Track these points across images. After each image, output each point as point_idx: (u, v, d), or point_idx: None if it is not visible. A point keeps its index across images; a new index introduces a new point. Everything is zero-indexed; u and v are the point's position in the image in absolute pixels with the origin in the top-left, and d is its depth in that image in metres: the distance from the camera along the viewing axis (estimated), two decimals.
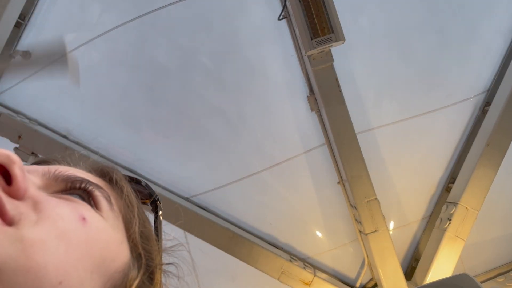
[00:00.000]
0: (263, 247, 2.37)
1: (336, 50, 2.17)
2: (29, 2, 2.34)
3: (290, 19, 2.23)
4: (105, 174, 0.44)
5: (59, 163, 0.42)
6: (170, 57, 2.37)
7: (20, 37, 2.43)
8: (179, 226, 2.46)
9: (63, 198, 0.35)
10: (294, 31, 2.24)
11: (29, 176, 0.34)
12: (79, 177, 0.39)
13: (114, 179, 0.43)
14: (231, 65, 2.37)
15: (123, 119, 2.45)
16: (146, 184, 0.48)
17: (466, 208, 2.27)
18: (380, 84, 2.42)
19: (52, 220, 0.31)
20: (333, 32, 2.03)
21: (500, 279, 2.57)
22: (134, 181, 0.48)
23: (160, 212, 0.49)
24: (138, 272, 0.39)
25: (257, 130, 2.44)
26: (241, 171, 2.48)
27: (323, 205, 2.52)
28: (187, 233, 2.43)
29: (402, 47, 2.38)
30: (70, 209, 0.34)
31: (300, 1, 2.02)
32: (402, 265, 2.43)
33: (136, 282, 0.38)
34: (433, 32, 2.38)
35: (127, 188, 0.44)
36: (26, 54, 2.38)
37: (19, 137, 2.32)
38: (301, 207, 2.53)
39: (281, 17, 2.24)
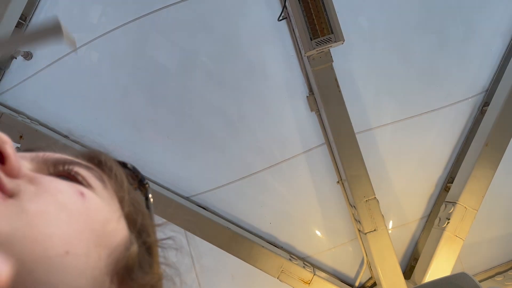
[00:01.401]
0: (262, 246, 2.38)
1: (336, 50, 2.18)
2: (30, 2, 2.35)
3: (290, 20, 2.24)
4: (93, 158, 0.44)
5: (44, 150, 0.42)
6: (170, 57, 2.38)
7: (19, 32, 2.45)
8: (180, 225, 2.46)
9: (59, 179, 0.35)
10: (294, 32, 2.25)
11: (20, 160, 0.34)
12: (68, 158, 0.39)
13: (102, 160, 0.43)
14: (231, 65, 2.38)
15: (124, 119, 2.47)
16: (133, 167, 0.48)
17: (465, 207, 2.28)
18: (379, 84, 2.43)
19: (51, 193, 0.31)
20: (332, 32, 2.04)
21: (499, 278, 2.58)
22: (121, 165, 0.47)
23: (150, 195, 0.48)
24: (138, 245, 0.39)
25: (257, 130, 2.46)
26: (241, 170, 2.49)
27: (323, 205, 2.54)
28: (187, 232, 2.45)
29: (401, 48, 2.39)
30: (68, 185, 0.34)
31: (299, 2, 2.03)
32: (401, 264, 2.44)
33: (137, 256, 0.38)
34: (432, 32, 2.39)
35: (116, 167, 0.44)
36: (28, 54, 2.39)
37: (21, 137, 2.33)
38: (300, 207, 2.54)
39: (281, 17, 2.25)
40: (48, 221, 0.29)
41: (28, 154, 0.37)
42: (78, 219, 0.32)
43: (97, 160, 0.43)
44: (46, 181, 0.32)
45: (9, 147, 0.31)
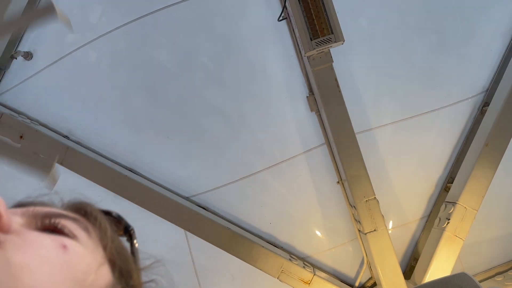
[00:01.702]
0: (262, 246, 2.38)
1: (336, 50, 2.18)
2: (30, 2, 2.35)
3: (290, 20, 2.24)
4: (80, 208, 0.47)
5: (34, 205, 0.45)
6: (170, 57, 2.39)
7: (21, 37, 2.45)
8: (180, 225, 2.45)
9: (45, 233, 0.38)
10: (294, 32, 2.25)
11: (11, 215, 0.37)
12: (57, 212, 0.42)
13: (88, 211, 0.46)
14: (231, 66, 2.38)
15: (124, 119, 2.47)
16: (118, 215, 0.51)
17: (465, 207, 2.28)
18: (379, 84, 2.43)
19: (35, 247, 0.34)
20: (332, 32, 2.04)
21: (499, 278, 2.58)
22: (106, 213, 0.50)
23: (135, 241, 0.51)
24: None
25: (257, 130, 2.46)
26: (241, 170, 2.49)
27: (323, 205, 2.54)
28: (187, 232, 2.45)
29: (401, 48, 2.39)
30: (51, 239, 0.37)
31: (299, 2, 2.04)
32: (401, 264, 2.44)
33: None
34: (432, 32, 2.39)
35: (100, 216, 0.47)
36: (28, 54, 2.39)
37: (21, 137, 2.33)
38: (300, 207, 2.54)
39: (281, 18, 2.25)
40: (31, 274, 0.31)
41: (19, 210, 0.40)
42: (60, 271, 0.34)
43: (83, 211, 0.46)
44: (31, 236, 0.35)
45: (1, 206, 0.33)
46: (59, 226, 0.40)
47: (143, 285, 0.47)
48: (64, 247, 0.37)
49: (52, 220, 0.40)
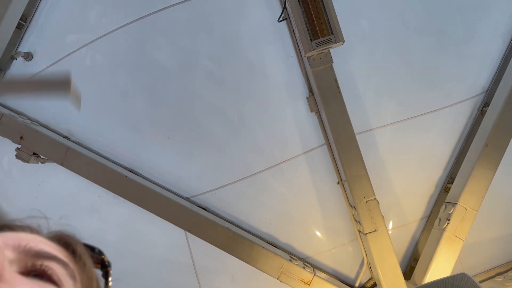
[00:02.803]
0: (263, 247, 2.38)
1: (336, 51, 2.18)
2: (30, 3, 2.36)
3: (290, 21, 2.24)
4: (68, 245, 0.47)
5: (23, 230, 0.45)
6: (170, 58, 2.39)
7: (22, 38, 2.45)
8: (180, 226, 2.45)
9: (34, 281, 0.39)
10: (294, 33, 2.25)
11: (4, 251, 0.37)
12: (48, 253, 0.42)
13: (78, 252, 0.46)
14: (231, 66, 2.38)
15: (124, 119, 2.47)
16: (100, 251, 0.52)
17: (465, 208, 2.28)
18: (379, 85, 2.43)
19: None
20: (332, 33, 2.04)
21: (499, 278, 2.58)
22: (89, 249, 0.51)
23: (110, 279, 0.51)
24: None
25: (257, 131, 2.46)
26: (241, 171, 2.49)
27: (323, 205, 2.54)
28: (187, 233, 2.45)
29: (401, 48, 2.39)
30: None
31: (299, 3, 2.04)
32: (401, 265, 2.44)
33: None
34: (432, 33, 2.40)
35: (89, 263, 0.47)
36: (28, 55, 2.39)
37: (21, 137, 2.34)
38: (300, 207, 2.54)
39: (281, 18, 2.26)
40: None
41: (11, 241, 0.40)
42: None
43: (71, 249, 0.46)
44: None
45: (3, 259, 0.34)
46: (49, 272, 0.41)
47: None
48: None
49: (44, 264, 0.41)
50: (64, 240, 0.47)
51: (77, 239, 0.49)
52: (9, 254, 0.39)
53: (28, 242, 0.41)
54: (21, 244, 0.41)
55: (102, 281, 0.50)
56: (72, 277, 0.43)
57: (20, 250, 0.40)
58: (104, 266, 0.51)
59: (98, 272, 0.50)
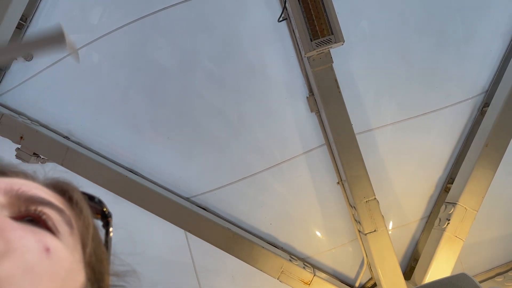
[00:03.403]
0: (263, 247, 2.38)
1: (336, 51, 2.18)
2: (30, 3, 2.36)
3: (290, 21, 2.24)
4: (65, 192, 0.44)
5: (17, 176, 0.43)
6: (170, 58, 2.39)
7: (21, 38, 2.45)
8: (180, 226, 2.45)
9: (28, 226, 0.36)
10: (294, 33, 2.25)
11: None
12: (42, 198, 0.40)
13: (74, 199, 0.44)
14: (231, 66, 2.38)
15: (124, 119, 2.47)
16: (99, 201, 0.50)
17: (465, 208, 2.28)
18: (379, 85, 2.43)
19: (19, 252, 0.32)
20: (332, 33, 2.04)
21: (499, 278, 2.58)
22: (88, 198, 0.48)
23: (111, 229, 0.49)
24: None
25: (257, 131, 2.46)
26: (241, 171, 2.49)
27: (323, 205, 2.54)
28: (187, 233, 2.45)
29: (401, 48, 2.39)
30: (35, 240, 0.35)
31: (300, 3, 2.04)
32: (401, 265, 2.44)
33: None
34: (432, 33, 2.40)
35: (86, 209, 0.45)
36: (28, 55, 2.39)
37: (21, 137, 2.34)
38: (300, 207, 2.54)
39: (281, 18, 2.26)
40: (14, 285, 0.30)
41: (3, 185, 0.38)
42: (41, 279, 0.33)
43: (68, 196, 0.44)
44: (15, 238, 0.33)
45: None
46: (44, 217, 0.38)
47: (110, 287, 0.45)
48: (47, 250, 0.35)
49: (38, 209, 0.38)
50: (60, 187, 0.45)
51: (74, 185, 0.46)
52: (0, 199, 0.37)
53: (21, 187, 0.39)
54: (13, 188, 0.38)
55: (102, 231, 0.48)
56: (69, 224, 0.40)
57: (12, 194, 0.38)
58: (105, 216, 0.49)
59: (99, 223, 0.48)
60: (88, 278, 0.41)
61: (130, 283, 0.49)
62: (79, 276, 0.39)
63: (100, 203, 0.49)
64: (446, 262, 2.29)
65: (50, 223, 0.38)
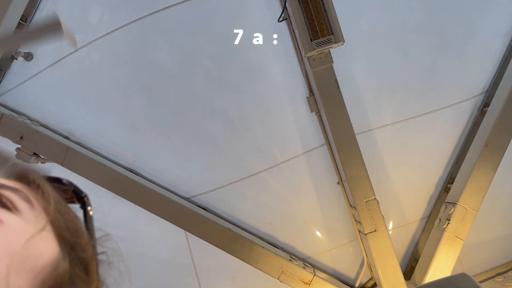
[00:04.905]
0: (263, 247, 2.38)
1: (336, 51, 2.18)
2: (30, 3, 2.36)
3: (290, 21, 2.24)
4: (23, 176, 0.45)
5: None
6: (170, 58, 2.39)
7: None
8: (180, 226, 2.45)
9: None
10: (294, 33, 2.25)
11: None
12: None
13: (30, 179, 0.45)
14: (231, 66, 2.38)
15: (124, 119, 2.47)
16: (69, 182, 0.50)
17: (465, 208, 2.28)
18: (380, 85, 2.43)
19: None
20: (332, 33, 2.04)
21: (499, 279, 2.58)
22: (55, 181, 0.49)
23: (89, 208, 0.49)
24: (70, 264, 0.41)
25: (257, 131, 2.46)
26: (241, 171, 2.49)
27: (323, 205, 2.54)
28: (187, 233, 2.45)
29: (401, 48, 2.39)
30: None
31: (300, 3, 2.04)
32: (401, 265, 2.44)
33: (67, 274, 0.40)
34: (432, 33, 2.40)
35: (44, 184, 0.45)
36: (28, 55, 2.39)
37: (21, 137, 2.34)
38: (301, 207, 2.54)
39: (281, 18, 2.26)
40: None
41: None
42: None
43: (26, 179, 0.45)
44: None
45: None
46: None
47: (95, 257, 0.46)
48: (0, 221, 0.36)
49: None
50: (19, 173, 0.46)
51: (32, 169, 0.47)
52: None
53: None
54: None
55: (80, 211, 0.48)
56: (26, 200, 0.41)
57: None
58: (80, 197, 0.49)
59: (76, 206, 0.48)
60: (61, 248, 0.41)
61: (108, 247, 0.48)
62: (47, 245, 0.40)
63: (70, 184, 0.50)
64: (446, 262, 2.29)
65: (4, 200, 0.40)
